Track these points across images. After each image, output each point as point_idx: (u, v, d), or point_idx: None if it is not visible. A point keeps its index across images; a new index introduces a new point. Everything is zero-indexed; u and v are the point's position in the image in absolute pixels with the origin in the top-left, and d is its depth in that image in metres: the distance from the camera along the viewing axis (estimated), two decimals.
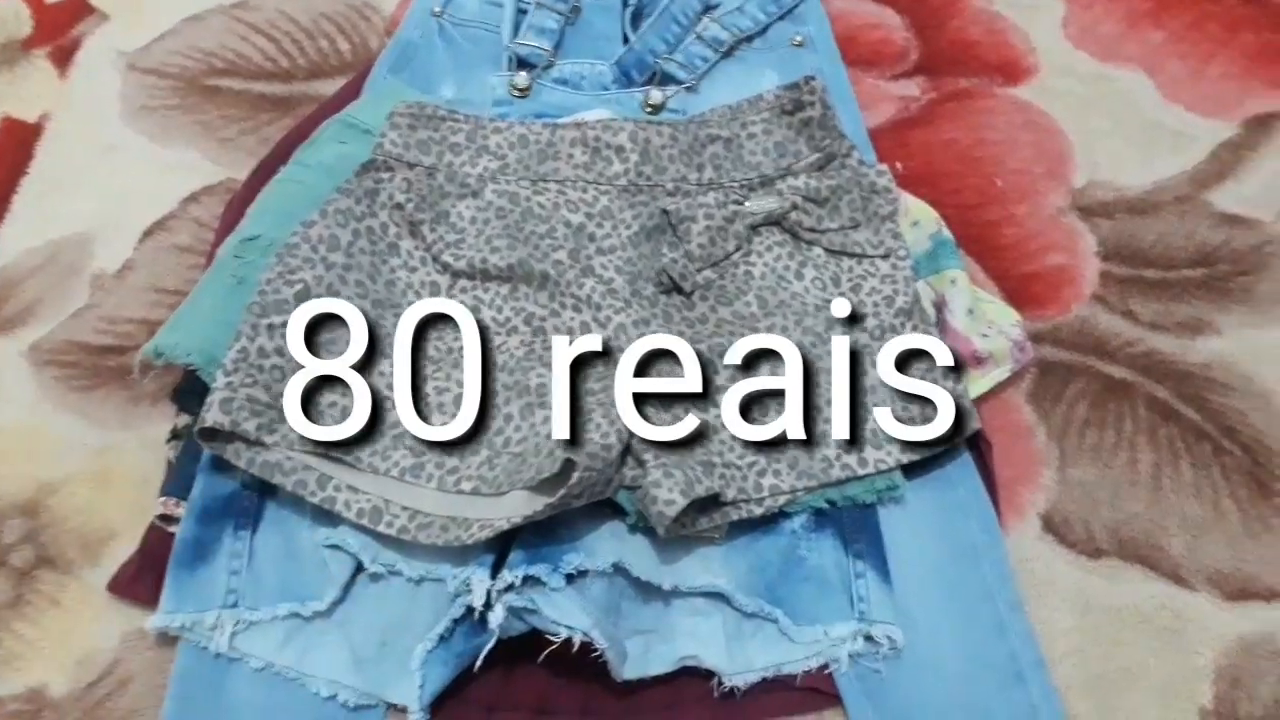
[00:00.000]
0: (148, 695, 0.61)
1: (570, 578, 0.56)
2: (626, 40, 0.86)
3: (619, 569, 0.58)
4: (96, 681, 0.62)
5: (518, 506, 0.58)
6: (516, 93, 0.82)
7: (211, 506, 0.63)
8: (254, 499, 0.63)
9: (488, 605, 0.56)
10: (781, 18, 0.89)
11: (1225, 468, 0.68)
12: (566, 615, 0.55)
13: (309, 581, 0.61)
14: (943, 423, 0.62)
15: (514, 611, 0.56)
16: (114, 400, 0.72)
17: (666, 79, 0.83)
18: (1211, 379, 0.72)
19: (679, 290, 0.67)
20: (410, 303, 0.67)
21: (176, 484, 0.64)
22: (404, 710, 0.58)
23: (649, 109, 0.82)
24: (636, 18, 0.88)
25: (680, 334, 0.65)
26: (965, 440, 0.65)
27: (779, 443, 0.62)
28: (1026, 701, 0.59)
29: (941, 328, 0.69)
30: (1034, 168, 0.83)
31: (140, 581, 0.64)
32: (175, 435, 0.67)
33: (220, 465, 0.62)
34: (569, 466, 0.56)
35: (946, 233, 0.73)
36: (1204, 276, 0.77)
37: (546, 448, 0.59)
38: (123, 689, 0.62)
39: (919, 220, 0.73)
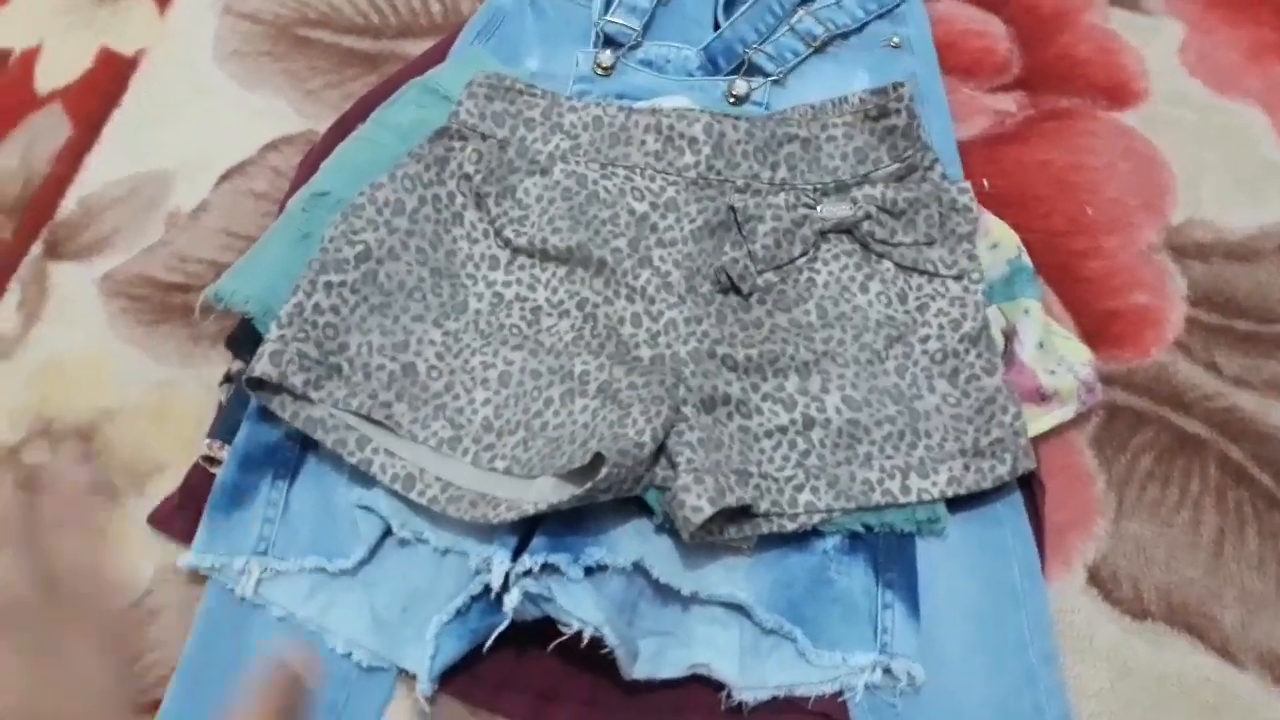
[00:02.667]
0: (174, 629, 0.62)
1: (589, 571, 0.56)
2: (717, 26, 0.84)
3: (639, 568, 0.57)
4: (129, 609, 0.64)
5: (545, 493, 0.57)
6: (600, 71, 0.81)
7: (253, 454, 0.64)
8: (295, 451, 0.64)
9: (505, 587, 0.56)
10: (881, 16, 0.86)
11: None
12: (580, 608, 0.55)
13: (339, 539, 0.62)
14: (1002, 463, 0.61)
15: (530, 597, 0.56)
16: (176, 337, 0.74)
17: (754, 70, 0.81)
18: None
19: (737, 291, 0.66)
20: (469, 274, 0.67)
21: (224, 427, 0.66)
22: (414, 677, 0.58)
23: (732, 99, 0.80)
24: (730, 4, 0.86)
25: (732, 335, 0.64)
26: (1017, 480, 0.62)
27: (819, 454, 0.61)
28: None
29: (1007, 358, 0.66)
30: (1130, 199, 0.79)
31: (180, 517, 0.65)
32: (228, 378, 0.69)
33: (266, 415, 0.63)
34: (598, 460, 0.55)
35: (1026, 260, 0.70)
36: None
37: (581, 437, 0.59)
38: (152, 619, 0.64)
39: (999, 243, 0.70)
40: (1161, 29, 0.88)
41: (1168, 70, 0.85)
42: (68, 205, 0.81)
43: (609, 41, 0.82)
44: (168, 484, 0.67)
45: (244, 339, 0.66)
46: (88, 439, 0.70)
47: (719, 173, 0.69)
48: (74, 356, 0.73)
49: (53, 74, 0.88)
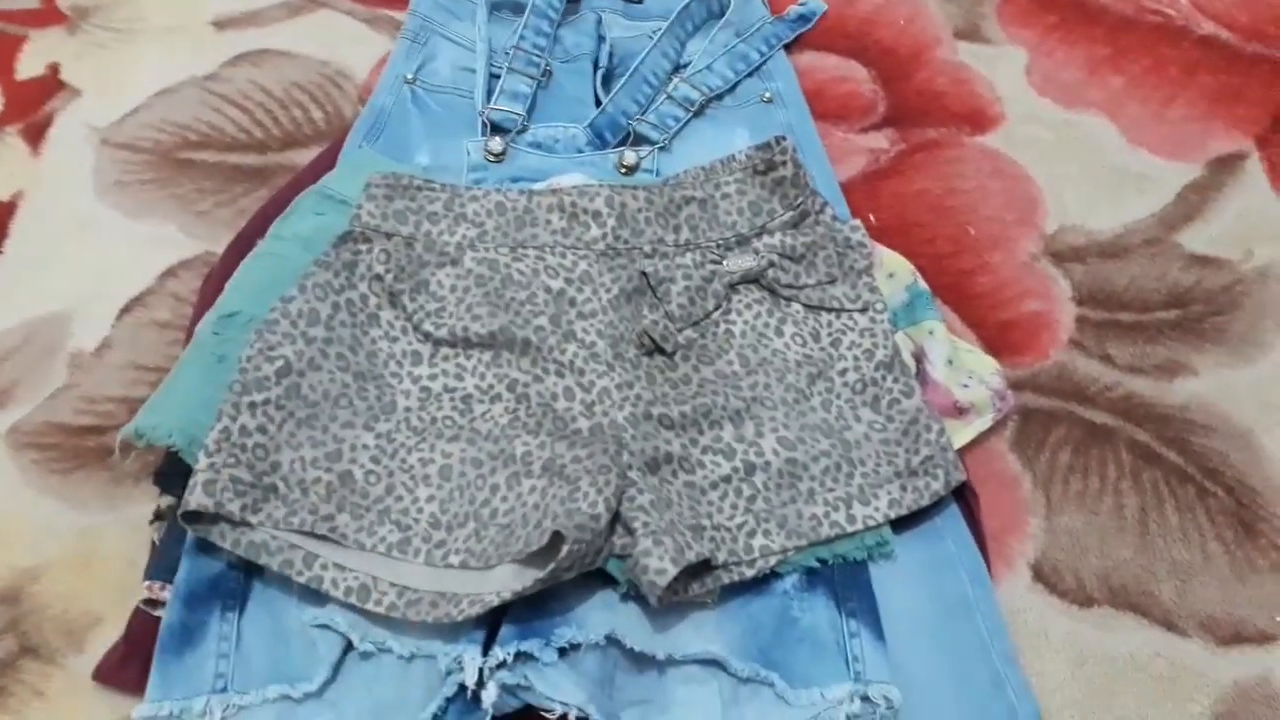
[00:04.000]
0: None
1: (563, 651, 0.56)
2: (599, 102, 0.87)
3: (612, 640, 0.57)
4: None
5: (507, 581, 0.57)
6: (492, 158, 0.83)
7: (197, 589, 0.62)
8: (240, 579, 0.62)
9: (480, 683, 0.56)
10: (750, 74, 0.91)
11: (1210, 510, 0.69)
12: (560, 691, 0.55)
13: (299, 662, 0.60)
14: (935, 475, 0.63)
15: (507, 689, 0.55)
16: (95, 481, 0.71)
17: (640, 139, 0.84)
18: (1191, 420, 0.73)
19: (661, 351, 0.68)
20: (393, 373, 0.67)
21: (161, 567, 0.63)
22: None
23: (623, 170, 0.82)
24: (608, 79, 0.90)
25: (664, 394, 0.66)
26: (952, 491, 0.65)
27: (767, 498, 0.62)
28: None
29: (922, 379, 0.70)
30: (1005, 215, 0.84)
31: (126, 668, 0.63)
32: (159, 516, 0.67)
33: (205, 547, 0.61)
34: (557, 539, 0.56)
35: (922, 284, 0.74)
36: (1178, 318, 0.78)
37: (534, 519, 0.59)
38: None
39: (894, 272, 0.74)
40: (1006, 56, 0.95)
41: (1018, 93, 0.92)
42: None
43: (496, 129, 0.84)
44: (108, 635, 0.65)
45: (171, 473, 0.64)
46: (13, 603, 0.67)
47: (626, 241, 0.71)
48: None
49: None
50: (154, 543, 0.66)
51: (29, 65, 0.96)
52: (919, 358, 0.71)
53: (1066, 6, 0.99)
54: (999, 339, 0.77)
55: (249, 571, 0.62)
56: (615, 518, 0.59)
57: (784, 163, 0.73)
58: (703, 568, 0.60)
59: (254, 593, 0.62)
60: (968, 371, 0.71)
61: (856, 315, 0.70)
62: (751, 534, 0.62)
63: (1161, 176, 0.86)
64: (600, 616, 0.58)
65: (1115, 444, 0.72)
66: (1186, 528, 0.68)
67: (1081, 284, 0.80)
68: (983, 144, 0.89)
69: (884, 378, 0.68)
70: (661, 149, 0.84)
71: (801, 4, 0.98)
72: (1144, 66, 0.94)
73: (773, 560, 0.62)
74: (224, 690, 0.59)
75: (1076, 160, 0.88)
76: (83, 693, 0.63)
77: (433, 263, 0.70)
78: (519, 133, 0.84)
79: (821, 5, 0.99)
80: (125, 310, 0.80)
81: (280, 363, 0.63)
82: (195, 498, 0.58)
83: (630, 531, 0.58)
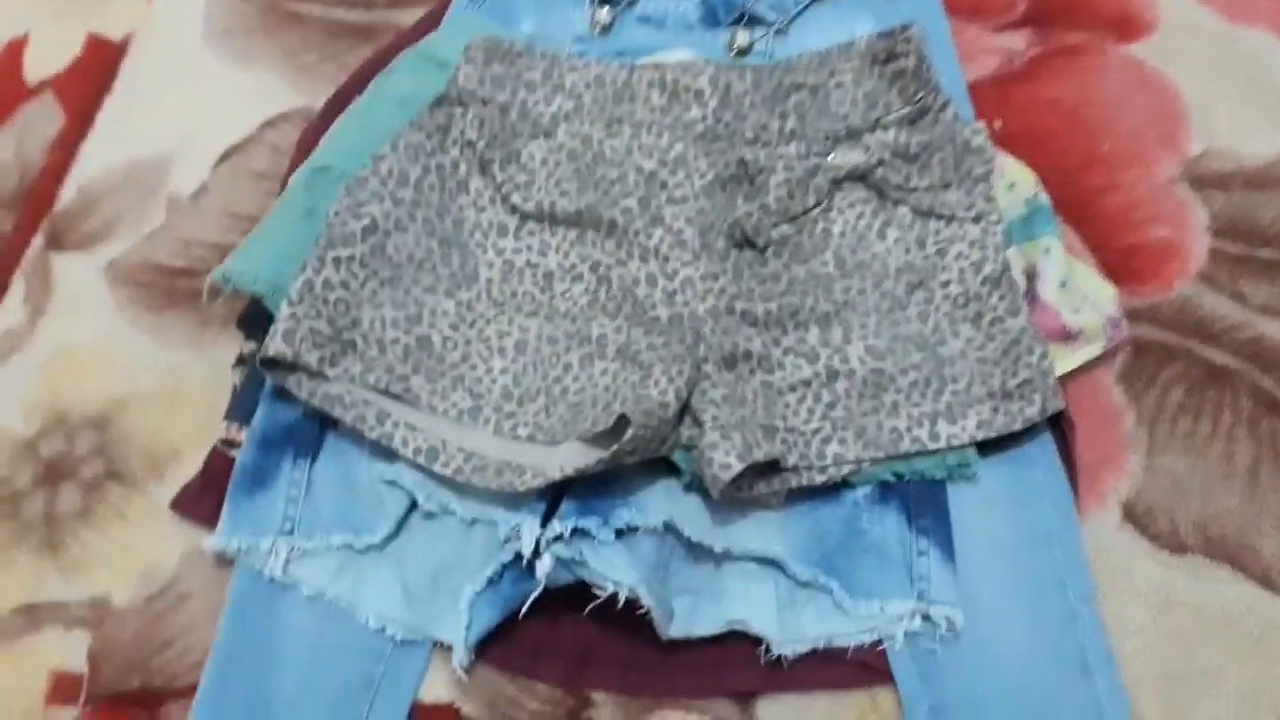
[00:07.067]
0: (205, 612, 0.62)
1: (620, 533, 0.55)
2: None
3: (670, 528, 0.56)
4: (157, 595, 0.64)
5: (571, 458, 0.57)
6: (598, 29, 0.79)
7: (272, 434, 0.63)
8: (314, 429, 0.63)
9: (536, 553, 0.56)
10: None
11: None
12: (614, 570, 0.54)
13: (364, 514, 0.61)
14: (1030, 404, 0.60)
15: (562, 562, 0.55)
16: (185, 322, 0.73)
17: (755, 20, 0.79)
18: None
19: (752, 245, 0.65)
20: (478, 242, 0.66)
21: (240, 409, 0.65)
22: (450, 648, 0.58)
23: (735, 51, 0.78)
24: None
25: (750, 290, 0.63)
26: (1047, 420, 0.61)
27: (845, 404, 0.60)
28: (1092, 696, 0.56)
29: (1030, 299, 0.65)
30: (1146, 132, 0.77)
31: (202, 502, 0.65)
32: (241, 360, 0.68)
33: (283, 394, 0.62)
34: (622, 423, 0.54)
35: (1044, 198, 0.69)
36: None
37: (603, 400, 0.58)
38: (182, 604, 0.63)
39: (1015, 183, 0.69)
40: None
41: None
42: (66, 195, 0.80)
43: None
44: (186, 469, 0.67)
45: (255, 319, 0.65)
46: (102, 428, 0.69)
47: (727, 125, 0.67)
48: (83, 347, 0.73)
49: (42, 63, 0.87)
50: (235, 386, 0.67)
51: None
52: (1030, 276, 0.67)
53: None
54: (1121, 264, 0.71)
55: (323, 423, 0.63)
56: (685, 409, 0.57)
57: (907, 53, 0.68)
58: (770, 468, 0.58)
59: (327, 443, 0.63)
60: (1081, 295, 0.66)
61: (968, 225, 0.66)
62: (826, 440, 0.59)
63: None
64: (661, 504, 0.57)
65: (1235, 388, 0.66)
66: None
67: (1221, 213, 0.73)
68: (1130, 53, 0.81)
69: (989, 293, 0.63)
70: (777, 32, 0.79)
71: None
72: None
73: (845, 469, 0.59)
74: (291, 533, 0.61)
75: (1235, 78, 0.79)
76: (161, 519, 0.66)
77: (526, 133, 0.68)
78: (629, 5, 0.80)
79: None
80: (224, 158, 0.80)
81: (367, 220, 0.62)
82: (274, 345, 0.58)
83: (699, 424, 0.56)
